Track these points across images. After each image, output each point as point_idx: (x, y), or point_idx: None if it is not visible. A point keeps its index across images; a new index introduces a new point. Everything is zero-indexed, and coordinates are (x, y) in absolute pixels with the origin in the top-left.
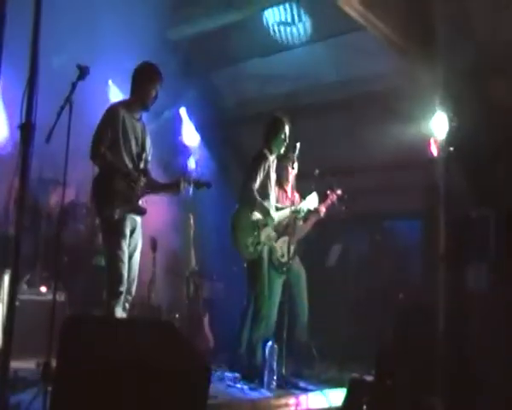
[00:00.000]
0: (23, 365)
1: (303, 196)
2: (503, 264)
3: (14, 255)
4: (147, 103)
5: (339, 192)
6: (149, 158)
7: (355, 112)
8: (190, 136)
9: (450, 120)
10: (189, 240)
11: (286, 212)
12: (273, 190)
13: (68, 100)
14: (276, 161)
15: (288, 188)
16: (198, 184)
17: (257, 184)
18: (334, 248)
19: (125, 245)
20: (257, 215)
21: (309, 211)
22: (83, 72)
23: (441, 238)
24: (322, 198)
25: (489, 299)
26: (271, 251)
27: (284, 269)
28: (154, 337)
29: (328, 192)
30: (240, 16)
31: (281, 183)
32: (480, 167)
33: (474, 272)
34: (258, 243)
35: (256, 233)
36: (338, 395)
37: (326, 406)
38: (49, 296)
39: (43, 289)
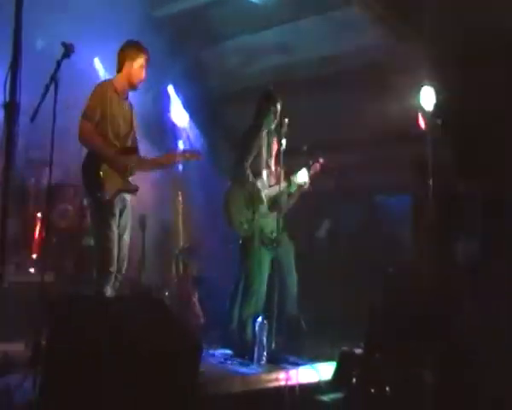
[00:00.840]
0: (12, 347)
1: (291, 172)
2: (491, 237)
3: (0, 237)
4: (134, 82)
5: (321, 161)
6: (137, 136)
7: (343, 87)
8: (179, 114)
9: (438, 94)
10: (178, 218)
11: (276, 189)
12: (265, 166)
13: (53, 78)
14: (266, 137)
15: (272, 163)
16: (187, 156)
17: (249, 160)
18: (324, 222)
19: (114, 225)
20: (250, 191)
21: (297, 186)
22: (68, 49)
23: (430, 213)
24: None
25: (477, 273)
26: (262, 227)
27: (274, 245)
28: (144, 315)
29: (311, 162)
30: None
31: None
32: (468, 142)
33: (462, 246)
34: (253, 220)
35: (250, 210)
36: (328, 369)
37: (316, 379)
38: (38, 278)
39: (32, 270)
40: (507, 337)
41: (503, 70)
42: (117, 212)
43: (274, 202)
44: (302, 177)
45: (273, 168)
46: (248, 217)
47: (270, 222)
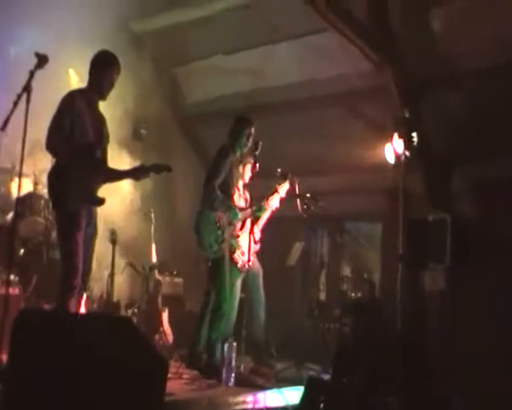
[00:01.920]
0: None
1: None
2: (458, 265)
3: None
4: (103, 92)
5: (288, 185)
6: (107, 146)
7: (317, 112)
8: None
9: (410, 126)
10: (150, 235)
11: (248, 211)
12: (236, 189)
13: (26, 88)
14: (238, 160)
15: (241, 186)
16: (158, 169)
17: (219, 182)
18: (295, 247)
19: (80, 238)
20: (220, 212)
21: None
22: (41, 60)
23: (400, 240)
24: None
25: (445, 298)
26: (232, 249)
27: (245, 267)
28: (109, 333)
29: (277, 186)
30: (204, 13)
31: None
32: (438, 172)
33: (431, 272)
34: (223, 242)
35: (220, 232)
36: (295, 394)
37: (283, 404)
38: (3, 290)
39: None
40: (474, 360)
41: (474, 99)
42: (83, 225)
43: (245, 225)
44: (274, 201)
45: (243, 191)
46: (218, 239)
47: (241, 244)
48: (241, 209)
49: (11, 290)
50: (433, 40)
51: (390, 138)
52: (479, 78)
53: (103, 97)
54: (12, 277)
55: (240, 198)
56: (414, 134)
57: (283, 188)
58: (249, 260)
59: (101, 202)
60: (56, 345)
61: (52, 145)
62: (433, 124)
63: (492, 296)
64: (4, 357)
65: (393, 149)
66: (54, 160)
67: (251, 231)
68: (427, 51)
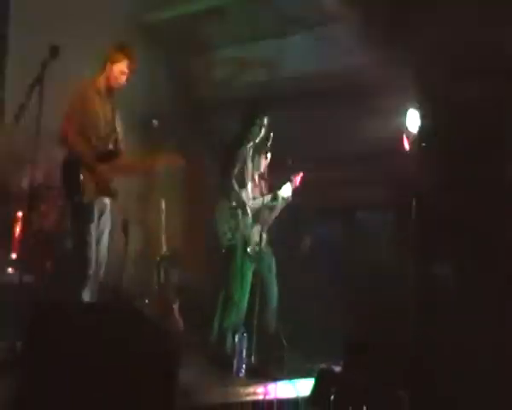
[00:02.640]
0: None
1: (276, 186)
2: (472, 260)
3: None
4: (111, 85)
5: (301, 174)
6: (121, 137)
7: (330, 103)
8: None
9: (424, 116)
10: (161, 225)
11: (260, 201)
12: (250, 179)
13: (38, 79)
14: (252, 149)
15: (257, 176)
16: (171, 161)
17: (234, 172)
18: (306, 238)
19: (92, 229)
20: (234, 203)
21: (280, 200)
22: (54, 51)
23: (412, 231)
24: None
25: (457, 294)
26: (246, 240)
27: (257, 257)
28: (122, 323)
29: (292, 176)
30: (217, 3)
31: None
32: (452, 165)
33: (443, 266)
34: (237, 230)
35: (233, 221)
36: (306, 385)
37: (294, 395)
38: (17, 278)
39: (11, 271)
40: (482, 355)
41: (487, 93)
42: (95, 216)
43: (258, 215)
44: (286, 191)
45: (258, 181)
46: (232, 228)
47: (254, 235)
48: (255, 198)
49: (25, 279)
50: (448, 29)
51: (404, 128)
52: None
53: (111, 90)
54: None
55: (255, 188)
56: (428, 124)
57: (295, 179)
58: (260, 251)
59: (114, 194)
60: (70, 335)
61: (63, 135)
62: (448, 114)
63: (506, 289)
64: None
65: (407, 138)
66: (67, 151)
67: (265, 221)
68: (443, 40)
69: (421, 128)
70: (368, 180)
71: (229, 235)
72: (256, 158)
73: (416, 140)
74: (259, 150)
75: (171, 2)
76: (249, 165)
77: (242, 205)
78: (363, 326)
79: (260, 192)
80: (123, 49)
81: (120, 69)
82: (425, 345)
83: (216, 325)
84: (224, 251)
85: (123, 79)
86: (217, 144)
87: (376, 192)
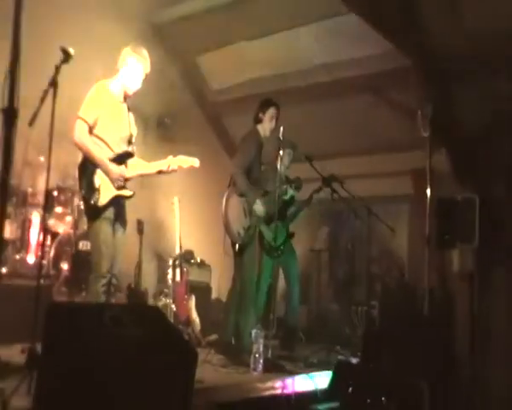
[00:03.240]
0: (7, 350)
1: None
2: (487, 246)
3: None
4: (127, 88)
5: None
6: (134, 139)
7: (341, 96)
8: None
9: (436, 105)
10: (176, 224)
11: (273, 196)
12: (263, 172)
13: (52, 83)
14: (263, 144)
15: (270, 171)
16: (185, 163)
17: (245, 167)
18: (322, 231)
19: (109, 229)
20: (247, 199)
21: (293, 194)
22: (66, 55)
23: (427, 221)
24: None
25: (473, 279)
26: (262, 235)
27: (276, 254)
28: (139, 322)
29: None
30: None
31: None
32: (467, 151)
33: (459, 253)
34: (250, 228)
35: (247, 218)
36: (324, 378)
37: (312, 388)
38: (34, 281)
39: (29, 273)
40: (502, 344)
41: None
42: (112, 216)
43: (275, 210)
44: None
45: (270, 175)
46: (245, 224)
47: (271, 229)
48: (266, 193)
49: (42, 282)
50: (458, 18)
51: (415, 119)
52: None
53: (127, 93)
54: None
55: (268, 182)
56: (439, 113)
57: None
58: (280, 247)
59: (130, 195)
60: (88, 336)
61: (78, 135)
62: (460, 102)
63: None
64: (38, 346)
65: (419, 129)
66: (82, 153)
67: (281, 216)
68: (452, 29)
69: (433, 116)
70: (381, 172)
71: (242, 234)
72: (268, 152)
73: (430, 128)
74: (272, 144)
75: (178, 1)
76: (261, 159)
77: (255, 201)
78: (380, 317)
79: (274, 187)
80: (138, 52)
81: (136, 72)
82: (444, 335)
83: (232, 320)
84: (238, 248)
85: (139, 81)
86: (228, 141)
87: (390, 183)
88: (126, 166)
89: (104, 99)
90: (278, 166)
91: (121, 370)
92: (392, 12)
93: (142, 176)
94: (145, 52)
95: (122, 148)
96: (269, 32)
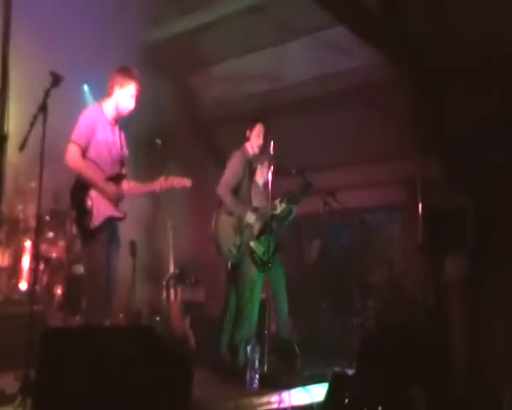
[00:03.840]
0: (1, 378)
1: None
2: (479, 253)
3: None
4: (121, 109)
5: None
6: (126, 161)
7: (332, 108)
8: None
9: (426, 112)
10: (169, 244)
11: (264, 211)
12: (252, 189)
13: (42, 107)
14: (253, 160)
15: (260, 186)
16: (177, 183)
17: (233, 185)
18: (315, 243)
19: (103, 252)
20: (237, 217)
21: (284, 209)
22: (56, 79)
23: (420, 229)
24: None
25: (466, 286)
26: (253, 250)
27: (266, 267)
28: (134, 344)
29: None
30: (214, 17)
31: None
32: (457, 159)
33: (451, 260)
34: (241, 245)
35: (238, 235)
36: (320, 390)
37: (309, 401)
38: (27, 308)
39: (21, 300)
40: (497, 350)
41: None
42: (105, 239)
43: (264, 225)
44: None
45: (263, 190)
46: (237, 242)
47: (261, 244)
48: (258, 210)
49: (35, 308)
50: (448, 26)
51: (406, 127)
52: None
53: (121, 114)
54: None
55: (260, 198)
56: (430, 122)
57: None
58: (269, 261)
59: (123, 216)
60: (83, 360)
61: (71, 159)
62: (451, 110)
63: None
64: (32, 373)
65: (409, 137)
66: (74, 177)
67: (270, 231)
68: (442, 38)
69: (424, 124)
70: (373, 182)
71: (234, 251)
72: (258, 168)
73: (421, 137)
74: (262, 160)
75: (169, 20)
76: (250, 175)
77: (246, 215)
78: (375, 328)
79: (264, 202)
80: (129, 73)
81: (129, 93)
82: (438, 342)
83: (227, 337)
84: (230, 266)
85: (132, 102)
86: (220, 159)
87: (382, 193)
88: (119, 188)
89: (96, 122)
90: (267, 181)
91: (117, 392)
92: (379, 22)
93: (132, 195)
94: (137, 72)
95: (114, 169)
96: (259, 48)
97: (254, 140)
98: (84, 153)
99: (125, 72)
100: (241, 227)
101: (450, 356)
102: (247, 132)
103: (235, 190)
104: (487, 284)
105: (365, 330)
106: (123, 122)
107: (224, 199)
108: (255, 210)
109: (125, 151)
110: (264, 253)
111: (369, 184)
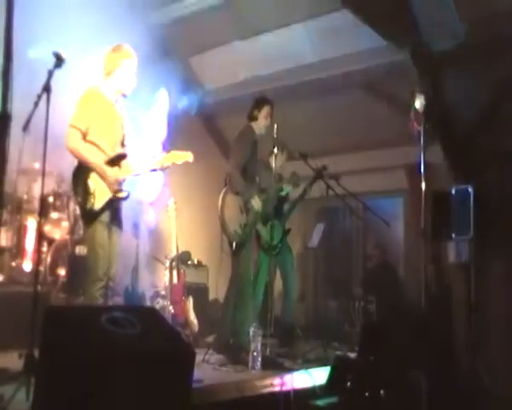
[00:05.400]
0: (5, 357)
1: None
2: (482, 236)
3: None
4: (122, 88)
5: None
6: (127, 141)
7: (335, 92)
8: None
9: (428, 98)
10: (172, 225)
11: (270, 193)
12: (259, 170)
13: (45, 88)
14: (259, 141)
15: (263, 168)
16: (178, 158)
17: (241, 165)
18: (317, 228)
19: (105, 233)
20: (243, 197)
21: (289, 190)
22: (59, 59)
23: (422, 214)
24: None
25: (469, 270)
26: (259, 233)
27: (274, 252)
28: (136, 324)
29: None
30: (216, 1)
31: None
32: (459, 144)
33: (454, 245)
34: (246, 225)
35: (243, 215)
36: (323, 374)
37: (311, 384)
38: (31, 288)
39: (25, 280)
40: (500, 334)
41: (492, 71)
42: (108, 220)
43: (272, 208)
44: (293, 182)
45: (266, 173)
46: (242, 222)
47: (268, 228)
48: (263, 190)
49: (39, 288)
50: (451, 10)
51: (409, 112)
52: (499, 47)
53: (123, 93)
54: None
55: (264, 180)
56: (433, 106)
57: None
58: (278, 245)
59: (126, 196)
60: (86, 339)
61: (71, 142)
62: (453, 95)
63: None
64: (36, 353)
65: (413, 122)
66: (76, 158)
67: (278, 214)
68: (445, 22)
69: (427, 109)
70: (375, 167)
71: (239, 231)
72: (264, 150)
73: (423, 122)
74: (267, 142)
75: (170, 2)
76: (257, 156)
77: (252, 198)
78: (377, 311)
79: (270, 184)
80: (124, 51)
81: (131, 72)
82: (441, 326)
83: (230, 320)
84: (235, 247)
85: (132, 79)
86: (223, 141)
87: (384, 177)
88: (120, 168)
89: (95, 104)
90: (273, 164)
91: (119, 372)
92: (383, 5)
93: (135, 175)
94: (131, 49)
95: (116, 150)
96: (261, 31)
97: (262, 121)
98: (84, 136)
99: (120, 50)
100: (247, 207)
101: (452, 340)
102: (255, 112)
103: (243, 171)
104: (489, 269)
105: (368, 315)
106: (124, 102)
107: (233, 178)
108: (262, 191)
109: (126, 130)
110: (271, 237)
111: (371, 168)
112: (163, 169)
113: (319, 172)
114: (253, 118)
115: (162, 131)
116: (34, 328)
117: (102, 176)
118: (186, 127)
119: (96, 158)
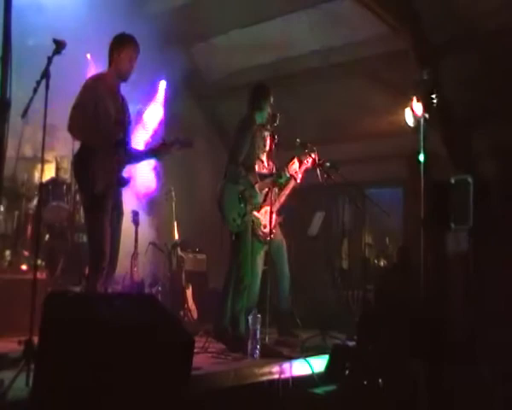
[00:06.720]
0: (4, 343)
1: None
2: (481, 226)
3: None
4: (123, 74)
5: (313, 156)
6: (129, 128)
7: (336, 80)
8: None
9: (429, 88)
10: (172, 213)
11: (267, 181)
12: (258, 159)
13: (45, 74)
14: (259, 130)
15: (265, 157)
16: (180, 144)
17: (242, 155)
18: (317, 216)
19: (107, 220)
20: (242, 187)
21: (288, 178)
22: (59, 46)
23: (422, 204)
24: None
25: (468, 260)
26: (254, 221)
27: (267, 239)
28: (136, 311)
29: (303, 158)
30: None
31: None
32: (458, 134)
33: (453, 234)
34: (245, 215)
35: (242, 205)
36: (321, 362)
37: (309, 372)
38: (30, 275)
39: (24, 267)
40: (498, 324)
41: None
42: (109, 206)
43: (266, 196)
44: (292, 168)
45: (266, 162)
46: (241, 212)
47: (262, 216)
48: (262, 177)
49: (38, 275)
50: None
51: (409, 102)
52: (499, 38)
53: (123, 79)
54: (39, 262)
55: (263, 168)
56: (433, 96)
57: (302, 158)
58: (271, 232)
59: (127, 182)
60: (85, 326)
61: (73, 125)
62: (452, 85)
63: None
64: (35, 339)
65: (413, 112)
66: (77, 144)
67: (273, 203)
68: (445, 12)
69: (427, 98)
70: (375, 156)
71: (238, 221)
72: (263, 138)
73: (423, 112)
74: (267, 131)
75: None
76: (256, 147)
77: (250, 187)
78: (375, 300)
79: (269, 172)
80: (128, 37)
81: (130, 56)
82: (440, 315)
83: (229, 308)
84: (234, 236)
85: (131, 65)
86: (223, 130)
87: (384, 167)
88: (122, 154)
89: (98, 92)
90: (272, 152)
91: (118, 358)
92: None
93: (137, 163)
94: (133, 38)
95: (118, 136)
96: (262, 19)
97: (266, 111)
98: (86, 121)
99: (123, 37)
100: (245, 197)
101: (450, 329)
102: (262, 103)
103: (243, 160)
104: (488, 259)
105: (366, 304)
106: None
107: (233, 168)
108: (262, 179)
109: (128, 115)
110: (264, 225)
111: (371, 157)
112: (163, 157)
113: (332, 165)
114: (257, 108)
115: (162, 120)
116: (33, 315)
117: (102, 162)
118: (185, 116)
119: (97, 144)
